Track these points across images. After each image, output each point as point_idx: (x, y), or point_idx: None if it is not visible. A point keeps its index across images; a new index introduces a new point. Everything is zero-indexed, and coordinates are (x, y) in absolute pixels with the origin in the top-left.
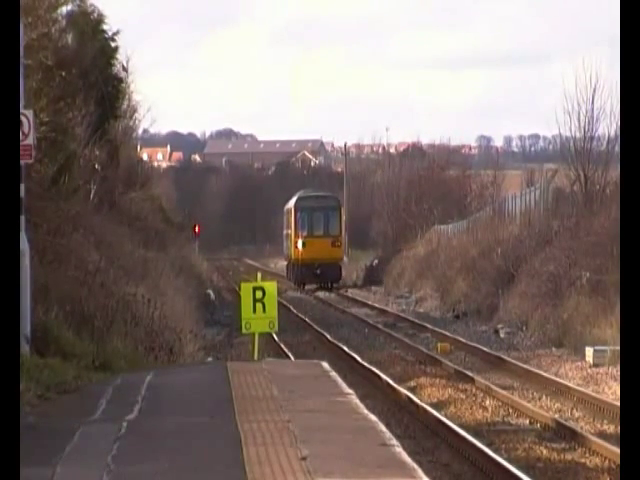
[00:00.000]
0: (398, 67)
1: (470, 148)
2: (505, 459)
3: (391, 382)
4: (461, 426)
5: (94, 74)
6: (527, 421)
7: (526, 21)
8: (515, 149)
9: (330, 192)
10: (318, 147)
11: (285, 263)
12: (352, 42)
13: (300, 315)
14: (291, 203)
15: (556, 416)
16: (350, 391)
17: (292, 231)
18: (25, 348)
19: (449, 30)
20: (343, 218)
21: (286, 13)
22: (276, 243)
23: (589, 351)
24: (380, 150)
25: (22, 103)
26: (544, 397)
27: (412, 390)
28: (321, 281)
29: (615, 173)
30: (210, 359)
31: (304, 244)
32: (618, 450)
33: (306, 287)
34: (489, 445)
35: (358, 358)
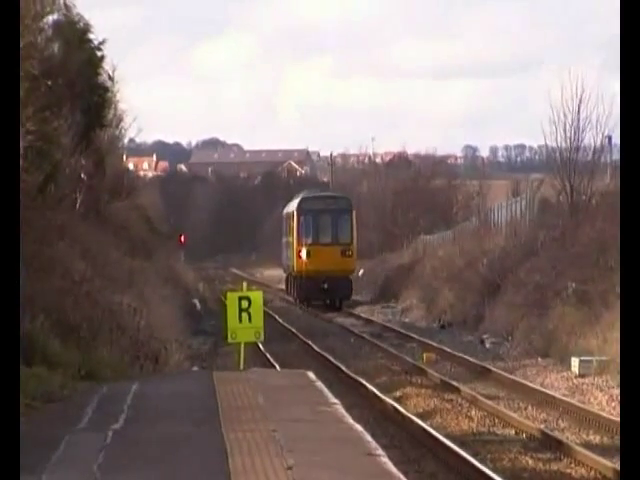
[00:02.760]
0: (384, 77)
1: (456, 158)
2: (491, 469)
3: (377, 392)
4: (447, 436)
5: (80, 83)
6: (513, 431)
7: (513, 31)
8: (501, 159)
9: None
10: (304, 157)
11: (284, 275)
12: (339, 52)
13: (286, 325)
14: (293, 205)
15: (542, 426)
16: (336, 401)
17: (294, 238)
18: None
19: (436, 40)
20: (355, 222)
21: (273, 24)
22: (262, 252)
23: (575, 361)
24: (366, 160)
25: None
26: (530, 407)
27: (398, 400)
28: (329, 297)
29: (601, 183)
30: (196, 368)
31: (309, 253)
32: (604, 460)
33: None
34: (475, 455)
35: (344, 368)
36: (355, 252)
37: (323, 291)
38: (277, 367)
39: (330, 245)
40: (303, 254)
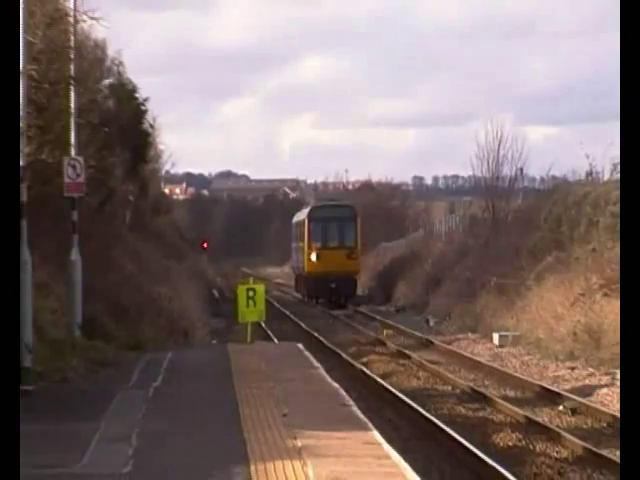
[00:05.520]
0: (356, 125)
1: (407, 185)
2: (434, 415)
3: (349, 359)
4: (401, 391)
5: (129, 130)
6: (450, 388)
7: (450, 93)
8: (441, 186)
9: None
10: (295, 184)
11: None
12: (322, 107)
13: (282, 309)
14: (303, 214)
15: (471, 384)
16: (319, 365)
17: (305, 243)
18: (77, 333)
19: (393, 99)
20: (359, 228)
21: (273, 87)
22: (264, 255)
23: (495, 336)
24: (341, 187)
25: (75, 152)
26: (462, 370)
27: (365, 365)
28: (335, 295)
29: (514, 204)
30: (215, 341)
31: (318, 256)
32: (516, 409)
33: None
34: (422, 406)
35: (324, 341)
36: (359, 255)
37: (330, 290)
38: (275, 340)
39: (337, 249)
40: (313, 257)
